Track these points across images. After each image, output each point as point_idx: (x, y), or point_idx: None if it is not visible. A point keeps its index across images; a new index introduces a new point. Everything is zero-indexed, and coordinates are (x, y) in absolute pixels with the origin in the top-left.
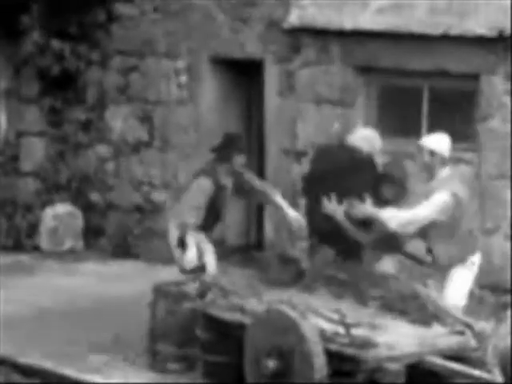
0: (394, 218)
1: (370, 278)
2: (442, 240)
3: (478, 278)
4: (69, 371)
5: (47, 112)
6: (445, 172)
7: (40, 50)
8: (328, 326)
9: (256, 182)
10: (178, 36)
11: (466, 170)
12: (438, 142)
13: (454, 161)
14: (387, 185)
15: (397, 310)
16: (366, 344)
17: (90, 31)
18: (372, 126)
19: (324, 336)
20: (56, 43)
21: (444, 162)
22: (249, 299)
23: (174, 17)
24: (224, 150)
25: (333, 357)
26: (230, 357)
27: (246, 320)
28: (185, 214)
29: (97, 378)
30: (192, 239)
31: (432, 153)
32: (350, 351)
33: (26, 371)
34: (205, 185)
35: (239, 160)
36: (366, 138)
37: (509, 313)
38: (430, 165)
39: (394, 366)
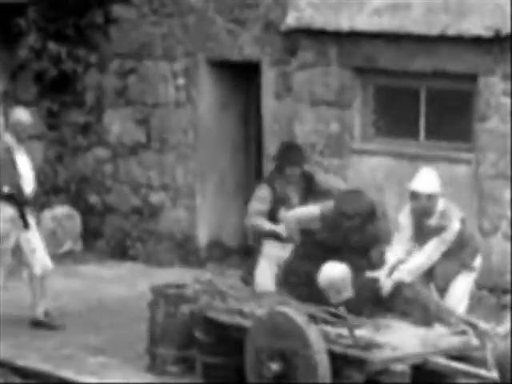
0: (409, 272)
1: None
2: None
3: (478, 279)
4: (67, 373)
5: (45, 115)
6: (441, 205)
7: (37, 53)
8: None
9: (332, 183)
10: (176, 38)
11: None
12: (431, 182)
13: (452, 161)
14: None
15: (398, 311)
16: (371, 345)
17: (88, 34)
18: (369, 127)
19: (328, 338)
20: (53, 46)
21: (437, 197)
22: (247, 302)
23: (172, 19)
24: (278, 160)
25: (337, 358)
26: (229, 359)
27: (246, 322)
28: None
29: (95, 380)
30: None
31: (429, 196)
32: (354, 353)
33: (25, 373)
34: (263, 193)
35: (290, 172)
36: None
37: (508, 313)
38: (430, 206)
39: (399, 367)
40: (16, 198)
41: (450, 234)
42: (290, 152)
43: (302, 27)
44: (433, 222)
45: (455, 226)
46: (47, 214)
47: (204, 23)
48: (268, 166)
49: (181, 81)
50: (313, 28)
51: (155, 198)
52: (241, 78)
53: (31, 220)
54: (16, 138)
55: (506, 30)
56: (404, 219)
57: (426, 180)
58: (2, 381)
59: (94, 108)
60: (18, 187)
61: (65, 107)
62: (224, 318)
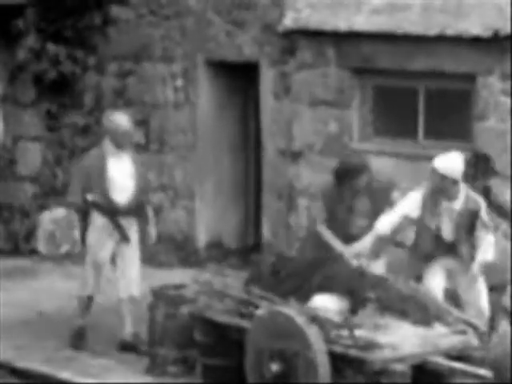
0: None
1: (365, 279)
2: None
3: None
4: (67, 375)
5: (44, 116)
6: (463, 192)
7: (35, 55)
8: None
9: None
10: (174, 40)
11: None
12: (450, 164)
13: None
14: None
15: (396, 311)
16: (371, 345)
17: (86, 35)
18: (368, 127)
19: (328, 338)
20: (51, 47)
21: (455, 183)
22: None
23: (170, 20)
24: (475, 169)
25: (337, 358)
26: (228, 359)
27: (245, 323)
28: None
29: (95, 382)
30: None
31: (443, 176)
32: (355, 353)
33: (25, 375)
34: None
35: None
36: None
37: (508, 312)
38: (442, 188)
39: (399, 367)
40: (105, 208)
41: (486, 213)
42: (488, 162)
43: (299, 28)
44: (457, 205)
45: (484, 205)
46: (46, 216)
47: (202, 24)
48: (266, 166)
49: (179, 82)
50: (310, 28)
51: (154, 198)
52: (239, 78)
53: (132, 233)
54: (115, 144)
55: (505, 30)
56: (414, 198)
57: (447, 161)
58: (2, 382)
59: (93, 109)
60: (106, 196)
61: (64, 109)
62: (223, 319)
